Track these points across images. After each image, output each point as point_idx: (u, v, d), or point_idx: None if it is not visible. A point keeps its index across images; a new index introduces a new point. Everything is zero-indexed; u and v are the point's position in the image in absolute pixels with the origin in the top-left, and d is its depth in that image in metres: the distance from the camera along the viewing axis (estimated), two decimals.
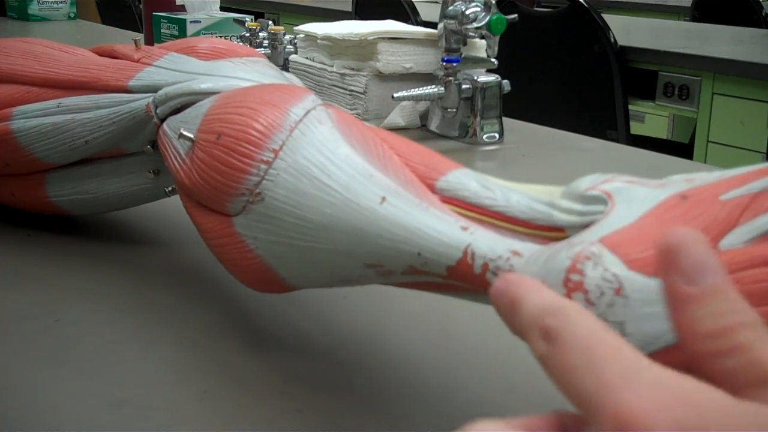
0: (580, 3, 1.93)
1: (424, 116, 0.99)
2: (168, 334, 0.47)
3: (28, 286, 0.53)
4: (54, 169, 0.58)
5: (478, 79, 0.92)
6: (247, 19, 1.13)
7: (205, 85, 0.49)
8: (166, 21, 1.12)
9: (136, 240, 0.61)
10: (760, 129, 1.81)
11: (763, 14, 2.91)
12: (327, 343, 0.47)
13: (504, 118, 0.96)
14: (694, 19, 3.18)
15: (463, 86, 0.92)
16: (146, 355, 0.45)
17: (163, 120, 0.51)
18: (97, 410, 0.39)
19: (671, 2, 3.87)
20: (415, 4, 2.48)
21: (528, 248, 0.32)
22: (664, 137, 2.86)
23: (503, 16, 0.90)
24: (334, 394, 0.41)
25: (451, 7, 0.90)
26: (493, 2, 0.90)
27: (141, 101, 0.52)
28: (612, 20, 2.06)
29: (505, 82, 0.94)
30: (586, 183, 0.34)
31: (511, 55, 1.50)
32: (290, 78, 0.55)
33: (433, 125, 0.97)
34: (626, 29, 2.39)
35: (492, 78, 0.93)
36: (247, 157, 0.41)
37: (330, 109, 0.44)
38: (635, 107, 2.15)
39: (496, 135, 0.94)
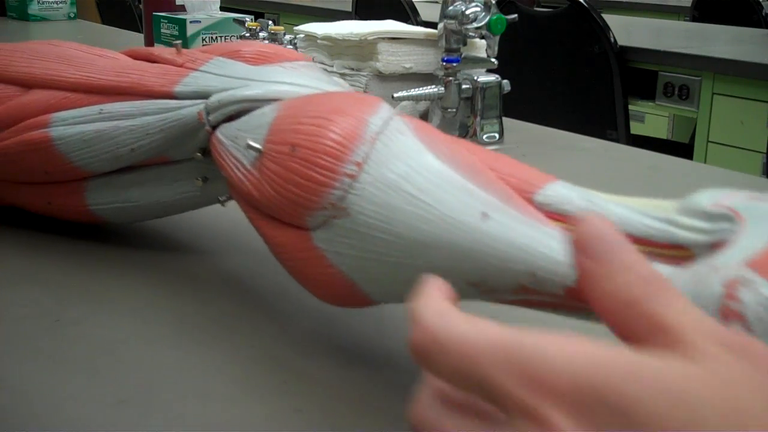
0: (580, 3, 1.93)
1: (424, 116, 0.99)
2: (168, 334, 0.47)
3: (28, 286, 0.53)
4: (93, 177, 0.55)
5: (478, 79, 0.92)
6: (247, 19, 1.13)
7: (260, 91, 0.48)
8: (166, 21, 1.12)
9: (136, 240, 0.61)
10: (760, 129, 1.81)
11: (763, 14, 2.91)
12: (327, 342, 0.47)
13: (504, 118, 0.96)
14: (694, 19, 3.18)
15: (463, 86, 0.92)
16: (146, 355, 0.45)
17: (215, 127, 0.49)
18: (97, 410, 0.39)
19: (671, 2, 3.87)
20: (415, 4, 2.48)
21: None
22: (664, 137, 2.86)
23: (503, 16, 0.90)
24: (334, 394, 0.41)
25: (451, 7, 0.90)
26: (493, 2, 0.90)
27: (191, 108, 0.50)
28: (612, 20, 2.06)
29: (505, 82, 0.94)
30: (707, 199, 0.33)
31: (511, 55, 1.50)
32: (339, 83, 0.53)
33: (433, 125, 0.97)
34: (626, 29, 2.39)
35: (492, 78, 0.93)
36: (328, 170, 0.39)
37: (406, 118, 0.42)
38: (635, 107, 2.15)
39: (496, 135, 0.94)
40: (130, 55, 0.57)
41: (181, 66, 0.52)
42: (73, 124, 0.53)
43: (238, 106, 0.48)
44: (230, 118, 0.48)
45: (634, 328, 0.25)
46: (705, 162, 1.90)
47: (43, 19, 1.94)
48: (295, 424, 0.39)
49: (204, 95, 0.50)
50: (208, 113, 0.49)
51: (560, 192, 0.36)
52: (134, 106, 0.52)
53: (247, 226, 0.53)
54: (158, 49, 0.56)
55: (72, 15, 1.99)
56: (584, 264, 0.26)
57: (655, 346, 0.24)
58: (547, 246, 0.33)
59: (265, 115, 0.45)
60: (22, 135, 0.54)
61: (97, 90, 0.53)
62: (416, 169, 0.38)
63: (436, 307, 0.26)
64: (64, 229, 0.62)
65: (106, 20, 3.03)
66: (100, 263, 0.57)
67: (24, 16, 1.92)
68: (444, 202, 0.36)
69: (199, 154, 0.51)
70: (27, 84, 0.56)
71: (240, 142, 0.45)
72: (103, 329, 0.47)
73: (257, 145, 0.43)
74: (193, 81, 0.51)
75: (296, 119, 0.42)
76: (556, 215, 0.36)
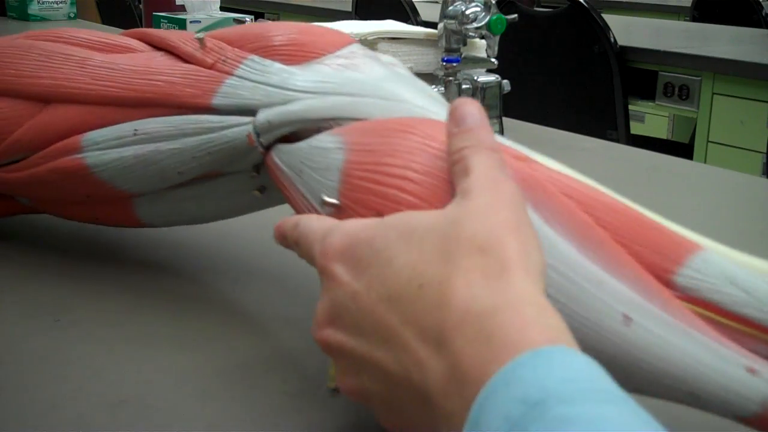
0: (580, 3, 1.93)
1: None
2: (168, 334, 0.47)
3: (28, 286, 0.53)
4: (142, 194, 0.51)
5: (478, 79, 0.92)
6: (247, 19, 1.13)
7: (312, 110, 0.43)
8: (166, 21, 1.12)
9: (136, 241, 0.61)
10: (760, 129, 1.81)
11: (763, 14, 2.91)
12: None
13: (504, 118, 0.96)
14: (694, 19, 3.18)
15: (463, 86, 0.92)
16: (146, 355, 0.45)
17: (268, 147, 0.45)
18: (97, 410, 0.39)
19: (671, 2, 3.87)
20: (415, 4, 2.48)
21: None
22: (664, 137, 2.86)
23: (503, 16, 0.90)
24: (334, 394, 0.41)
25: (451, 7, 0.90)
26: (493, 2, 0.90)
27: (237, 129, 0.45)
28: (612, 20, 2.06)
29: (505, 82, 0.94)
30: None
31: (511, 55, 1.50)
32: (388, 60, 0.47)
33: None
34: (626, 29, 2.39)
35: (492, 78, 0.93)
36: None
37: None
38: (635, 107, 2.15)
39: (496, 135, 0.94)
40: (142, 39, 0.52)
41: (211, 67, 0.47)
42: (108, 149, 0.48)
43: (291, 128, 0.44)
44: (284, 137, 0.44)
45: (456, 174, 0.34)
46: (705, 162, 1.90)
47: (43, 19, 1.94)
48: (295, 424, 0.38)
49: (246, 110, 0.45)
50: (258, 134, 0.45)
51: (704, 272, 0.31)
52: (171, 125, 0.47)
53: (250, 227, 0.53)
54: (175, 36, 0.50)
55: (72, 15, 1.99)
56: (449, 128, 0.36)
57: (457, 186, 0.33)
58: (710, 368, 0.29)
59: (329, 152, 0.40)
60: (54, 162, 0.50)
61: (122, 103, 0.48)
62: None
63: (306, 216, 0.38)
64: (64, 229, 0.62)
65: (106, 20, 3.03)
66: (100, 263, 0.57)
67: (24, 16, 1.92)
68: (579, 301, 0.31)
69: (254, 173, 0.48)
70: (41, 98, 0.51)
71: (306, 179, 0.41)
72: (103, 329, 0.47)
73: (334, 201, 0.39)
74: (230, 90, 0.46)
75: (372, 174, 0.37)
76: (704, 303, 0.31)
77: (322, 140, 0.41)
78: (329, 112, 0.42)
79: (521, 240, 0.30)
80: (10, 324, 0.48)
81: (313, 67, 0.45)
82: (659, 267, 0.32)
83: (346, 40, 0.47)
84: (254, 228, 0.56)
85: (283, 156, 0.43)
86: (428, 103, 0.42)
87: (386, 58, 0.47)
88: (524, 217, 0.31)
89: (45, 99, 0.51)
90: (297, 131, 0.44)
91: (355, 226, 0.34)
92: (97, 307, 0.50)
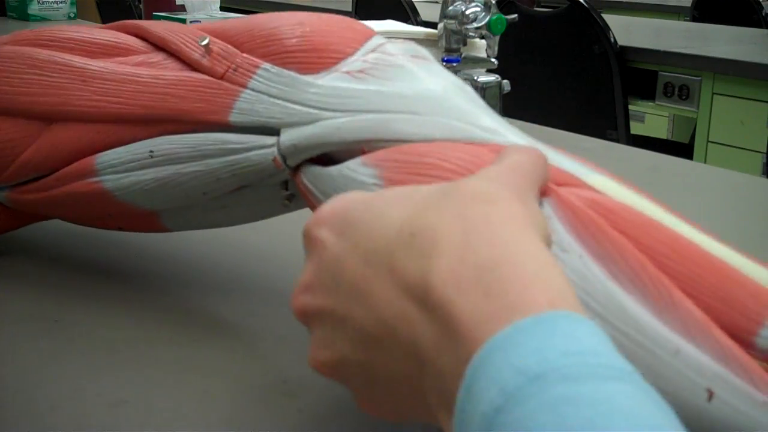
0: (580, 3, 1.93)
1: None
2: (168, 334, 0.47)
3: (28, 286, 0.53)
4: (167, 210, 0.49)
5: (478, 79, 0.92)
6: None
7: (339, 132, 0.40)
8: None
9: (135, 240, 0.61)
10: (760, 129, 1.81)
11: (763, 14, 2.91)
12: None
13: (504, 118, 0.96)
14: (694, 19, 3.19)
15: None
16: (146, 355, 0.45)
17: (296, 167, 0.43)
18: (97, 410, 0.39)
19: (671, 2, 3.88)
20: (415, 4, 2.48)
21: None
22: (664, 137, 2.86)
23: (503, 16, 0.90)
24: (334, 394, 0.41)
25: (451, 7, 0.91)
26: (493, 2, 0.90)
27: (261, 152, 0.42)
28: (612, 20, 2.06)
29: (505, 82, 0.94)
30: None
31: (511, 55, 1.50)
32: (412, 50, 0.43)
33: None
34: (626, 29, 2.39)
35: (492, 78, 0.93)
36: None
37: (550, 200, 0.33)
38: (635, 107, 2.15)
39: None
40: (137, 35, 0.49)
41: (221, 78, 0.44)
42: (125, 172, 0.46)
43: (318, 150, 0.41)
44: (313, 158, 0.42)
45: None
46: (705, 162, 1.90)
47: (43, 19, 1.94)
48: (295, 424, 0.38)
49: (268, 129, 0.42)
50: (284, 157, 0.42)
51: None
52: (189, 145, 0.44)
53: (251, 229, 0.53)
54: (175, 36, 0.47)
55: (72, 15, 1.99)
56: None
57: None
58: None
59: (365, 189, 0.37)
60: (70, 185, 0.48)
61: (130, 120, 0.46)
62: (603, 316, 0.29)
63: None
64: (64, 229, 0.62)
65: (106, 20, 3.03)
66: (100, 263, 0.57)
67: (24, 16, 1.92)
68: (654, 372, 0.28)
69: (283, 189, 0.46)
70: (43, 117, 0.48)
71: None
72: (103, 329, 0.47)
73: None
74: (248, 107, 0.43)
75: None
76: None
77: (356, 170, 0.38)
78: (359, 135, 0.39)
79: (525, 205, 0.29)
80: (10, 324, 0.48)
81: (333, 76, 0.42)
82: (737, 326, 0.28)
83: (365, 35, 0.43)
84: (254, 232, 0.56)
85: (313, 180, 0.41)
86: (465, 112, 0.38)
87: (411, 47, 0.43)
88: (531, 199, 0.31)
89: (47, 118, 0.48)
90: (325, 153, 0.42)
91: (353, 193, 0.33)
92: (97, 307, 0.50)
